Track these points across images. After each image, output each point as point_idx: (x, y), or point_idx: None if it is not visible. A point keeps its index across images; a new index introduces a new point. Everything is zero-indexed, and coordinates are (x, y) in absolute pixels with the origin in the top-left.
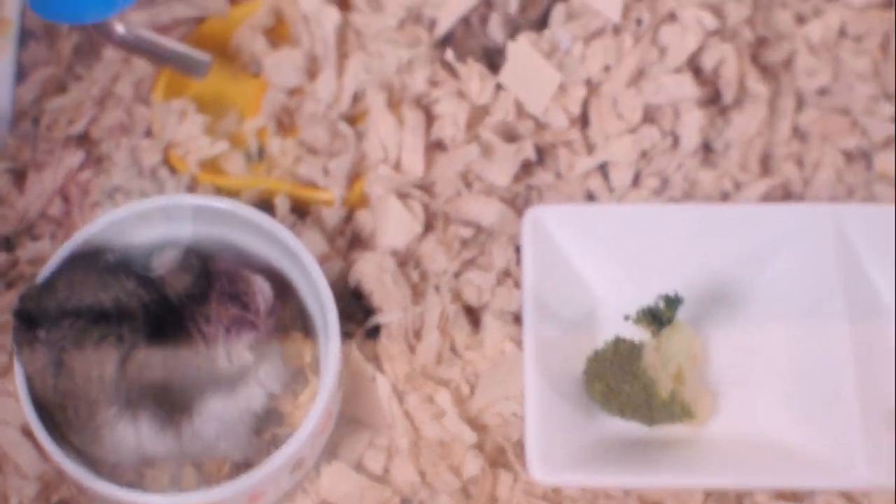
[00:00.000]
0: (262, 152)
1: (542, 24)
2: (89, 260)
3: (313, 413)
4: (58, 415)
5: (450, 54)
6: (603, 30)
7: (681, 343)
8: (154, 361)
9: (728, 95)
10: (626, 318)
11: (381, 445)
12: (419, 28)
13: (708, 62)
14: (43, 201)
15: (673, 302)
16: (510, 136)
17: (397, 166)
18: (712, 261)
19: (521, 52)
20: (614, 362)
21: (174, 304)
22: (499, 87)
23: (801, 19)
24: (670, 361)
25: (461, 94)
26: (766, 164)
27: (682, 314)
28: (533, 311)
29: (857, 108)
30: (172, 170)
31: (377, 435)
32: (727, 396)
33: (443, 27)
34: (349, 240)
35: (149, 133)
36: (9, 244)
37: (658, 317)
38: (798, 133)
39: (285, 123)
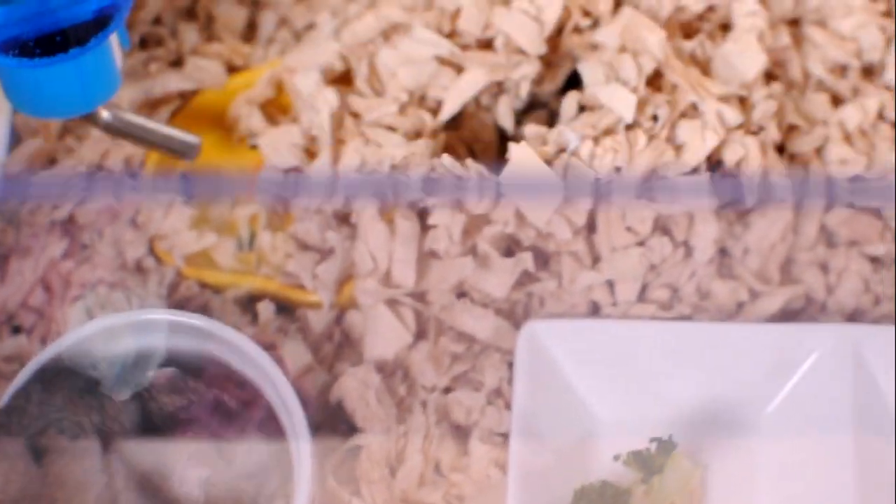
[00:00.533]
0: (252, 241)
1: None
2: (64, 380)
3: None
4: None
5: (446, 160)
6: (615, 126)
7: (677, 482)
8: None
9: (750, 196)
10: (616, 458)
11: None
12: (422, 112)
13: (730, 157)
14: (24, 292)
15: (666, 447)
16: (509, 247)
17: (387, 277)
18: (719, 382)
19: (524, 156)
20: None
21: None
22: (499, 190)
23: (837, 101)
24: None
25: (458, 204)
26: (787, 271)
27: (682, 440)
28: (520, 439)
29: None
30: (158, 260)
31: None
32: None
33: (448, 111)
34: (337, 344)
35: (137, 216)
36: None
37: (649, 463)
38: (824, 234)
39: (279, 210)
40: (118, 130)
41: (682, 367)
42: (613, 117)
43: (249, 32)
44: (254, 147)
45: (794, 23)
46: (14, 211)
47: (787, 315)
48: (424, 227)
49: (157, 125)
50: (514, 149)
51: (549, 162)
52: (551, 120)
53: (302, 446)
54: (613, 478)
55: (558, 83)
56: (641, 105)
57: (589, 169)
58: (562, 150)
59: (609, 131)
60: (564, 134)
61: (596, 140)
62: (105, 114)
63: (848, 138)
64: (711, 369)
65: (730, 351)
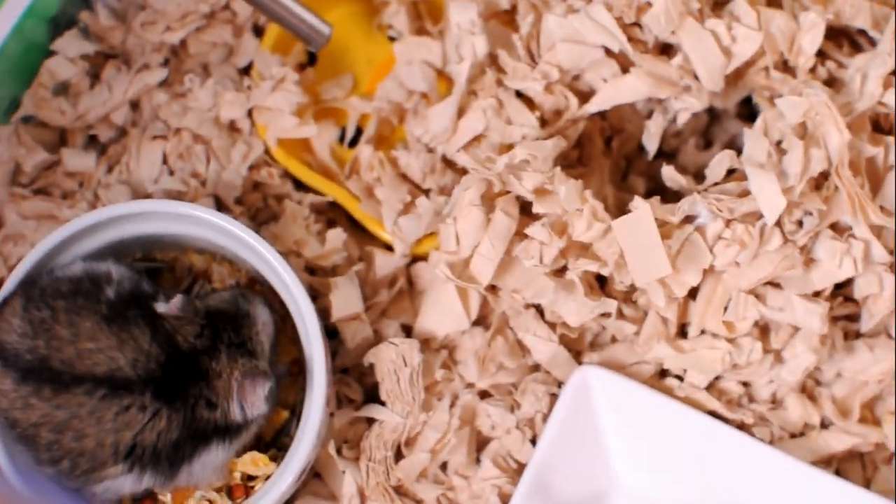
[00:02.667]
0: (356, 140)
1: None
2: (93, 298)
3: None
4: (41, 454)
5: (563, 188)
6: (753, 216)
7: None
8: (172, 425)
9: (866, 325)
10: None
11: None
12: (569, 93)
13: (860, 288)
14: (109, 106)
15: None
16: (599, 287)
17: (465, 265)
18: (744, 502)
19: (645, 217)
20: None
21: (187, 356)
22: (608, 231)
23: None
24: None
25: (562, 228)
26: (869, 410)
27: None
28: (529, 488)
29: None
30: (253, 129)
31: None
32: None
33: (597, 106)
34: (395, 294)
35: (246, 72)
36: (60, 139)
37: None
38: None
39: (390, 123)
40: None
41: (718, 472)
42: (756, 207)
43: None
44: (392, 39)
45: None
46: (126, 13)
47: (851, 455)
48: (524, 222)
49: (293, 4)
50: (636, 203)
51: (670, 229)
52: (707, 143)
53: (316, 390)
54: None
55: (731, 105)
56: (790, 207)
57: (708, 253)
58: (689, 219)
59: (746, 218)
60: (697, 206)
61: (728, 223)
62: None
63: None
64: (744, 485)
65: (772, 480)
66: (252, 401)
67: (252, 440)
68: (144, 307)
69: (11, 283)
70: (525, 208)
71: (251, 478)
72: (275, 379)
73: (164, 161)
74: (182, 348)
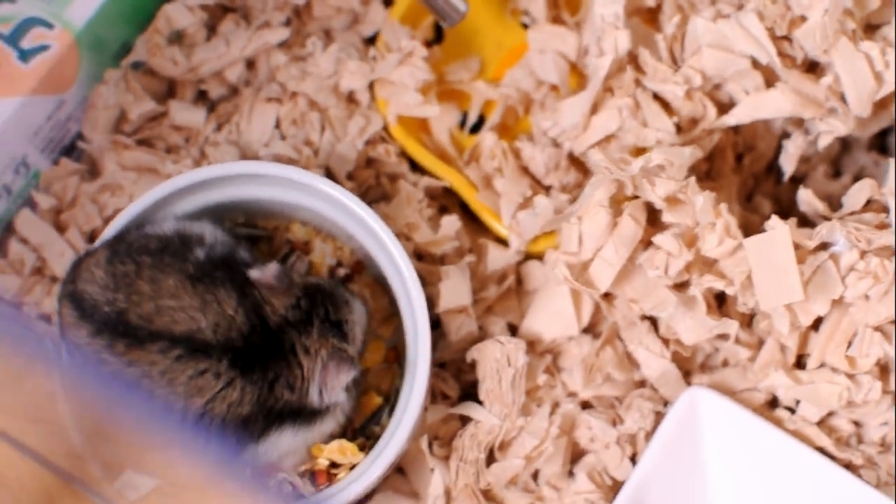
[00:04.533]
0: (478, 126)
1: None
2: (180, 257)
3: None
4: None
5: (695, 200)
6: (888, 250)
7: None
8: (245, 398)
9: None
10: None
11: None
12: (709, 102)
13: None
14: (224, 63)
15: None
16: (720, 306)
17: (584, 268)
18: None
19: (781, 238)
20: None
21: (272, 329)
22: (738, 248)
23: None
24: None
25: (691, 240)
26: None
27: None
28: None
29: None
30: (373, 102)
31: None
32: None
33: (736, 119)
34: (504, 290)
35: (371, 42)
36: (169, 89)
37: None
38: None
39: (515, 113)
40: None
41: None
42: (892, 241)
43: None
44: (525, 25)
45: None
46: None
47: None
48: (651, 230)
49: None
50: (775, 225)
51: (804, 254)
52: (836, 172)
53: (418, 381)
54: None
55: (867, 134)
56: None
57: (839, 283)
58: (824, 246)
59: (882, 251)
60: (835, 234)
61: (863, 255)
62: None
63: None
64: None
65: None
66: (333, 385)
67: (331, 432)
68: (236, 272)
69: (107, 236)
70: (653, 216)
71: (335, 465)
72: (359, 371)
73: (277, 125)
74: (269, 320)
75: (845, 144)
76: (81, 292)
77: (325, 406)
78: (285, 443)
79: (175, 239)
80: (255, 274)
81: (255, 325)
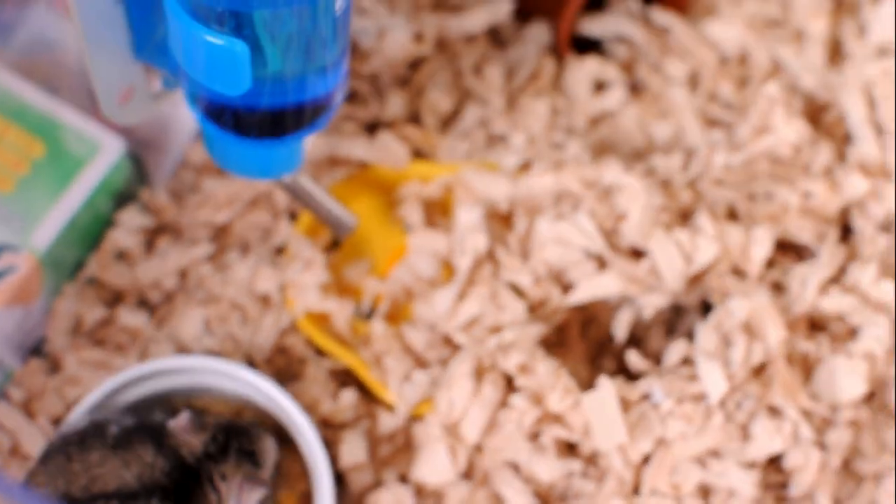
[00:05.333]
0: (370, 314)
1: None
2: (98, 435)
3: None
4: None
5: (540, 366)
6: (700, 397)
7: None
8: None
9: (794, 492)
10: None
11: None
12: (553, 288)
13: (789, 460)
14: (160, 274)
15: None
16: (568, 448)
17: (455, 427)
18: None
19: (608, 394)
20: None
21: (191, 465)
22: (578, 404)
23: None
24: None
25: (539, 399)
26: None
27: None
28: None
29: None
30: (284, 302)
31: None
32: None
33: (577, 299)
34: (397, 448)
35: (280, 251)
36: (116, 297)
37: None
38: None
39: (400, 303)
40: (292, 191)
41: None
42: (702, 389)
43: (450, 118)
44: (407, 230)
45: None
46: (181, 194)
47: None
48: (508, 392)
49: (325, 198)
50: (601, 381)
51: (629, 403)
52: (670, 332)
53: None
54: None
55: (692, 301)
56: (732, 390)
57: (659, 425)
58: (646, 397)
59: (694, 398)
60: (652, 387)
61: (679, 401)
62: (286, 176)
63: None
64: None
65: None
66: (247, 502)
67: None
68: (151, 429)
69: (71, 421)
70: (509, 381)
71: None
72: (270, 491)
73: (206, 324)
74: (187, 458)
75: (678, 310)
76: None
77: None
78: None
79: (90, 427)
80: (171, 424)
81: (174, 465)
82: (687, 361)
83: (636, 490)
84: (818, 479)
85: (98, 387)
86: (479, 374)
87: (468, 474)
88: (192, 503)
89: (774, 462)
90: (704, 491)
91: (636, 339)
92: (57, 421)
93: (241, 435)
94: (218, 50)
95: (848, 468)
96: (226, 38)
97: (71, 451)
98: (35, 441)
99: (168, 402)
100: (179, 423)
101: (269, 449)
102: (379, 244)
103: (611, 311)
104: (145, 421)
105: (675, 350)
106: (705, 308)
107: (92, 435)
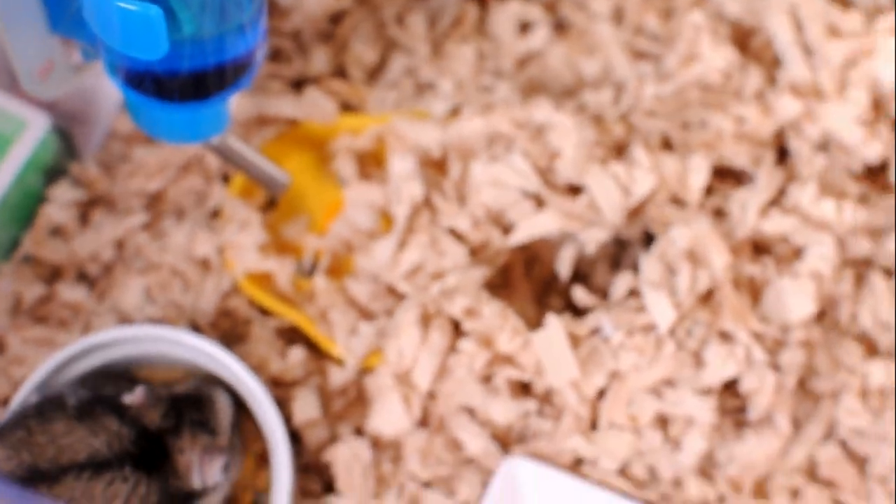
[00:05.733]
0: (312, 271)
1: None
2: (57, 407)
3: None
4: None
5: (487, 308)
6: (650, 327)
7: None
8: (152, 490)
9: (752, 415)
10: None
11: None
12: (493, 229)
13: (745, 384)
14: (97, 247)
15: None
16: (522, 389)
17: (407, 375)
18: None
19: (556, 331)
20: None
21: (155, 434)
22: (527, 343)
23: (872, 353)
24: None
25: (488, 341)
26: (760, 488)
27: None
28: None
29: (876, 470)
30: (223, 264)
31: None
32: None
33: (517, 240)
34: (349, 401)
35: (216, 214)
36: (54, 273)
37: None
38: (808, 465)
39: (341, 257)
40: (222, 153)
41: None
42: (651, 320)
43: (377, 70)
44: (341, 183)
45: (865, 263)
46: (111, 165)
47: None
48: (456, 337)
49: (256, 157)
50: (550, 319)
51: (579, 339)
52: (616, 266)
53: (282, 487)
54: None
55: (635, 233)
56: (681, 318)
57: (611, 358)
58: (595, 331)
59: (644, 329)
60: (602, 321)
61: (629, 333)
62: (215, 139)
63: (864, 393)
64: None
65: None
66: (209, 472)
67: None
68: (108, 402)
69: (15, 404)
70: (457, 326)
71: None
72: (231, 453)
73: (147, 292)
74: (149, 428)
75: (621, 243)
76: None
77: (211, 486)
78: None
79: (46, 402)
80: (126, 399)
81: (140, 433)
82: (634, 293)
83: (594, 425)
84: (775, 401)
85: (42, 364)
86: (426, 321)
87: (424, 422)
88: (162, 470)
89: (730, 387)
90: (662, 420)
91: (581, 275)
92: (5, 401)
93: (193, 404)
94: (132, 16)
95: (804, 388)
96: (139, 3)
97: (30, 424)
98: None
99: (114, 375)
100: (136, 398)
101: (222, 409)
102: (315, 200)
103: (553, 250)
104: (101, 394)
105: (621, 283)
106: (648, 240)
107: (50, 408)
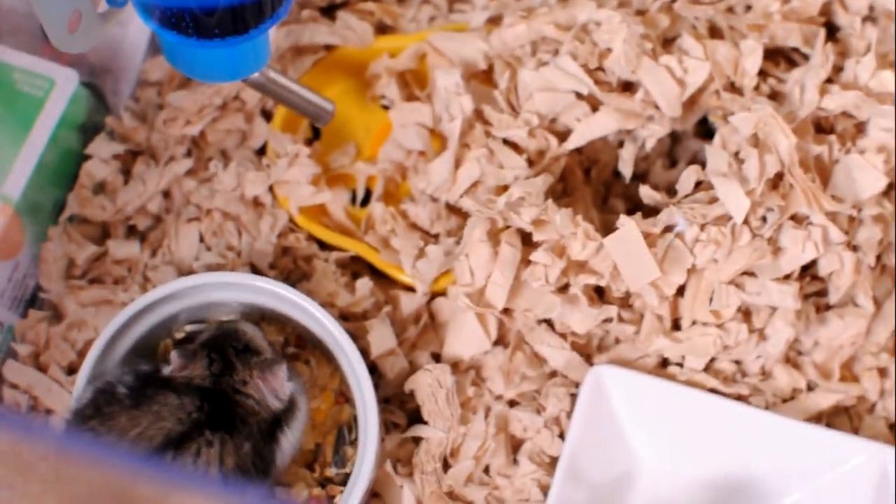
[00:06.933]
0: (366, 200)
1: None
2: (112, 401)
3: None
4: None
5: (557, 215)
6: (724, 219)
7: None
8: (242, 440)
9: (834, 298)
10: None
11: None
12: (549, 135)
13: (823, 266)
14: (144, 199)
15: None
16: (601, 297)
17: (481, 294)
18: (752, 463)
19: (631, 232)
20: None
21: (212, 389)
22: (600, 248)
23: None
24: None
25: (561, 250)
26: (848, 369)
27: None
28: (564, 476)
29: None
30: (275, 201)
31: None
32: None
33: (574, 143)
34: (422, 327)
35: (262, 152)
36: (104, 232)
37: None
38: (893, 342)
39: (395, 181)
40: (263, 88)
41: (724, 440)
42: (724, 210)
43: None
44: (385, 107)
45: None
46: (147, 114)
47: (837, 410)
48: (527, 250)
49: (299, 88)
50: (623, 222)
51: (654, 239)
52: (672, 163)
53: (370, 420)
54: None
55: (689, 126)
56: (754, 206)
57: (689, 255)
58: (668, 228)
59: (717, 221)
60: (674, 217)
61: (702, 227)
62: (257, 75)
63: None
64: (749, 449)
65: (770, 438)
66: (277, 385)
67: (306, 415)
68: (157, 380)
69: (85, 369)
70: (526, 238)
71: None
72: (285, 361)
73: (201, 239)
74: (203, 385)
75: (676, 138)
76: None
77: (288, 401)
78: (287, 444)
79: (98, 396)
80: (167, 371)
81: (199, 394)
82: (701, 185)
83: (676, 325)
84: (855, 280)
85: (111, 321)
86: (494, 236)
87: (502, 340)
88: (237, 421)
89: (810, 270)
90: (745, 313)
91: (638, 175)
92: (71, 370)
93: (225, 342)
94: None
95: (882, 264)
96: None
97: (94, 425)
98: (52, 394)
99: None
100: (175, 364)
101: (252, 333)
102: (360, 126)
103: (611, 150)
104: (141, 374)
105: (689, 176)
106: (702, 132)
107: (105, 403)
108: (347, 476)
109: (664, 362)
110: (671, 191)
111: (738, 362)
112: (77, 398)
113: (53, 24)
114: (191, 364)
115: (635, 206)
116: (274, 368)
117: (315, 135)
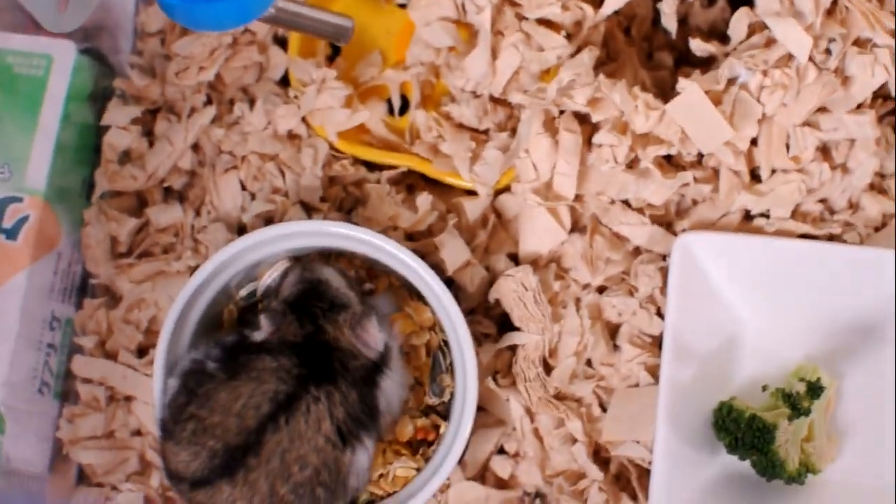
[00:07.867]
0: (404, 108)
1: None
2: (206, 379)
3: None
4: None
5: (613, 90)
6: (786, 59)
7: (818, 408)
8: (349, 389)
9: None
10: (764, 388)
11: (510, 450)
12: (584, 4)
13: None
14: (174, 158)
15: (815, 390)
16: (672, 165)
17: (548, 187)
18: (856, 299)
19: (695, 94)
20: (746, 435)
21: (307, 344)
22: (664, 114)
23: None
24: (802, 431)
25: (623, 126)
26: None
27: (818, 349)
28: (671, 353)
29: None
30: (310, 131)
31: (507, 440)
32: (853, 439)
33: (611, 5)
34: (491, 230)
35: (283, 82)
36: (140, 202)
37: (796, 404)
38: None
39: (430, 83)
40: (276, 20)
41: (824, 283)
42: (785, 51)
43: None
44: (402, 5)
45: None
46: (154, 67)
47: None
48: (589, 133)
49: (312, 11)
50: (683, 84)
51: (719, 95)
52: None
53: (465, 346)
54: (755, 398)
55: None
56: (815, 40)
57: (756, 105)
58: (731, 81)
59: (780, 63)
60: (735, 68)
61: (765, 73)
62: (269, 10)
63: None
64: (850, 286)
65: (868, 271)
66: (370, 335)
67: (403, 360)
68: (246, 347)
69: (161, 350)
70: (584, 119)
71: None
72: (374, 310)
73: (243, 188)
74: (298, 342)
75: None
76: (179, 474)
77: (385, 347)
78: (391, 387)
79: (189, 378)
80: (257, 336)
81: (295, 352)
82: (753, 29)
83: (754, 177)
84: None
85: (171, 299)
86: (551, 125)
87: (576, 226)
88: (337, 371)
89: (880, 90)
90: (824, 151)
91: (679, 20)
92: (141, 352)
93: (312, 296)
94: None
95: None
96: None
97: (192, 410)
98: (127, 381)
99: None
100: (265, 328)
101: (335, 281)
102: (380, 31)
103: (648, 5)
104: (228, 344)
105: (739, 21)
106: None
107: (197, 384)
108: (446, 404)
109: (748, 217)
110: (715, 33)
111: (822, 200)
112: (161, 389)
113: (42, 9)
114: (281, 328)
115: (681, 56)
116: (364, 323)
117: (335, 51)
